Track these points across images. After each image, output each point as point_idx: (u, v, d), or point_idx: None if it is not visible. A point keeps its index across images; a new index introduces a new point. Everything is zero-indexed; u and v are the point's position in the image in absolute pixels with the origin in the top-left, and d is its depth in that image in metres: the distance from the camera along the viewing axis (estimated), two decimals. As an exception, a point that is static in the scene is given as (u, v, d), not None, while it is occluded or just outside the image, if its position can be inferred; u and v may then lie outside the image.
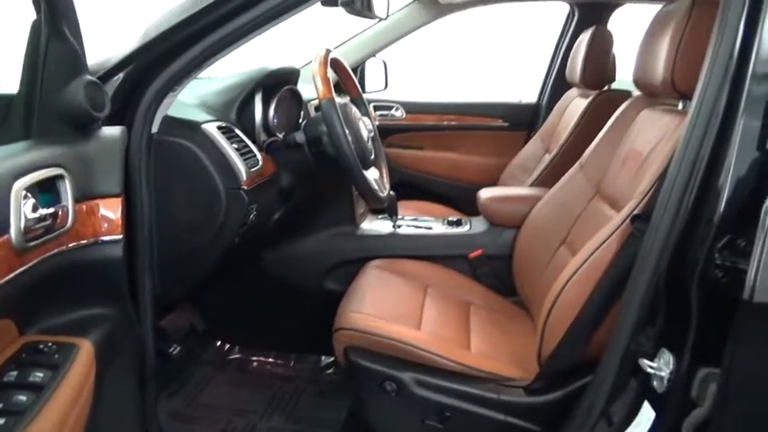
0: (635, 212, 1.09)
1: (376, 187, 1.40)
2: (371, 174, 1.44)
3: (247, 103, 1.30)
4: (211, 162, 1.10)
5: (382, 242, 1.78)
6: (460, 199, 2.48)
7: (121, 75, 0.98)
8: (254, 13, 0.99)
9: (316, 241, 1.77)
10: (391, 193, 1.75)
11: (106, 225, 0.76)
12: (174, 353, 1.43)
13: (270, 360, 1.79)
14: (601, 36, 2.04)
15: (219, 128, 1.15)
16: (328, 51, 1.36)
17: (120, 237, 0.77)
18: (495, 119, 2.68)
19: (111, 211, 0.77)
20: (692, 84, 0.96)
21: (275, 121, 1.54)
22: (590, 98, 2.07)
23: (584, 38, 2.08)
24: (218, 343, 1.81)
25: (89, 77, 0.78)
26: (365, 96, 2.67)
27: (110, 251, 0.77)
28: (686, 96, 1.14)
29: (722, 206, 0.85)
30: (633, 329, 0.99)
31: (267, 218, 1.40)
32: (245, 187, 1.13)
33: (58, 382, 0.65)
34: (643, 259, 0.97)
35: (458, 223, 1.84)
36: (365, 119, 1.53)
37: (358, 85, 1.59)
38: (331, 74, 1.38)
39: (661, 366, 0.92)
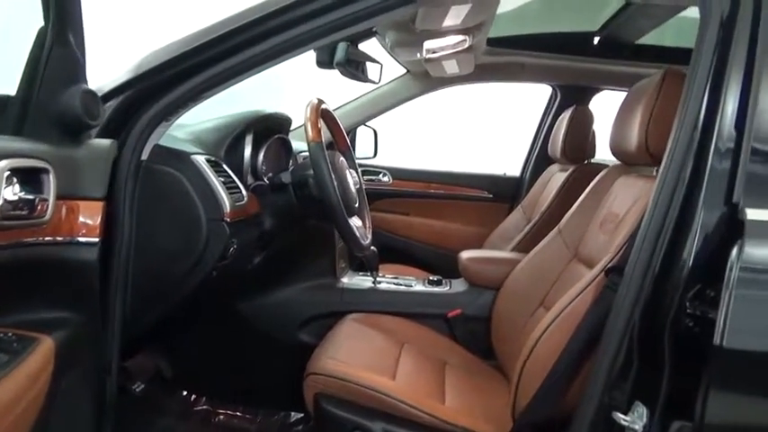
0: (610, 265, 1.11)
1: (359, 234, 1.41)
2: (355, 222, 1.46)
3: (237, 142, 1.34)
4: (196, 191, 1.11)
5: (361, 297, 1.77)
6: (442, 265, 2.47)
7: (119, 99, 1.01)
8: (247, 54, 1.04)
9: (294, 291, 1.75)
10: (373, 248, 1.76)
11: (84, 227, 0.76)
12: (138, 390, 1.37)
13: (237, 414, 1.72)
14: (581, 115, 2.15)
15: (208, 161, 1.17)
16: (320, 101, 1.41)
17: (97, 240, 0.77)
18: (480, 190, 2.76)
19: (91, 213, 0.77)
20: (664, 148, 1.01)
21: (263, 166, 1.57)
22: (570, 170, 2.15)
23: (566, 116, 2.19)
24: (185, 392, 1.74)
25: (86, 87, 0.81)
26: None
27: (85, 253, 0.77)
28: (659, 161, 1.20)
29: (691, 258, 0.88)
30: (607, 382, 0.98)
31: (246, 258, 1.40)
32: (228, 219, 1.14)
33: (15, 366, 0.63)
34: (617, 310, 0.98)
35: (438, 283, 1.85)
36: (352, 170, 1.57)
37: (347, 139, 1.64)
38: (322, 125, 1.44)
39: (635, 420, 0.91)
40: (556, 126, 2.30)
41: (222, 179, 1.18)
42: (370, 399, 1.21)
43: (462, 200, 2.75)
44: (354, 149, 2.75)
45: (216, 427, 1.66)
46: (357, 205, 1.47)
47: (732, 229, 0.86)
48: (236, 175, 1.30)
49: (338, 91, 2.46)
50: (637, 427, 0.90)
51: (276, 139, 1.52)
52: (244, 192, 1.25)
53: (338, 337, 1.48)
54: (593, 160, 2.25)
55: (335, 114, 2.58)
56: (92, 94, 0.81)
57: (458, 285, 1.84)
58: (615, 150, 1.41)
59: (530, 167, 2.72)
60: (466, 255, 1.86)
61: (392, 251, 2.67)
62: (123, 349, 1.43)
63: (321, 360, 1.30)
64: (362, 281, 1.83)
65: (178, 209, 1.11)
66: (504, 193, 2.75)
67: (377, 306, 1.74)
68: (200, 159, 1.15)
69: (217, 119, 1.39)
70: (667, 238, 0.93)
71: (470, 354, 1.68)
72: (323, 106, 1.42)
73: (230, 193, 1.19)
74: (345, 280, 1.83)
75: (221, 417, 1.70)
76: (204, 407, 1.73)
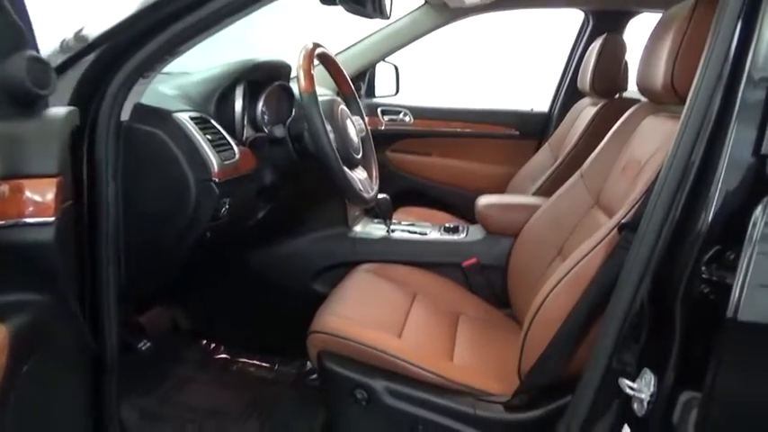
0: (624, 221, 1.02)
1: (360, 187, 1.35)
2: (358, 173, 1.39)
3: (228, 95, 1.27)
4: (182, 152, 1.06)
5: (374, 246, 1.73)
6: (466, 208, 2.41)
7: (91, 57, 0.96)
8: None
9: (306, 242, 1.73)
10: (385, 196, 1.70)
11: (33, 206, 0.73)
12: (144, 348, 1.39)
13: (254, 362, 1.75)
14: (612, 43, 1.97)
15: (193, 118, 1.11)
16: (316, 45, 1.32)
17: (52, 219, 0.74)
18: (506, 127, 2.61)
19: (40, 191, 0.73)
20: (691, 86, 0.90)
21: (265, 116, 1.51)
22: (599, 106, 1.99)
23: (596, 45, 2.01)
24: (204, 342, 1.78)
25: (32, 53, 0.75)
26: (374, 101, 2.69)
27: (37, 234, 0.74)
28: (686, 101, 1.08)
29: (710, 216, 0.78)
30: (615, 346, 0.92)
31: (248, 214, 1.36)
32: (217, 179, 1.09)
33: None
34: (628, 271, 0.91)
35: (454, 230, 1.78)
36: (356, 118, 1.49)
37: (350, 83, 1.54)
38: (321, 70, 1.35)
39: (642, 388, 0.85)
40: (586, 57, 2.12)
41: (210, 137, 1.12)
42: (372, 357, 1.18)
43: (487, 138, 2.62)
44: (374, 88, 2.66)
45: (234, 375, 1.69)
46: (360, 156, 1.40)
47: (759, 184, 0.75)
48: (228, 129, 1.24)
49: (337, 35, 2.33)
50: (643, 395, 0.84)
51: (276, 87, 1.44)
52: (236, 148, 1.19)
53: (346, 291, 1.45)
54: (625, 94, 2.08)
55: (351, 51, 2.52)
56: (40, 61, 0.75)
57: (474, 233, 1.77)
58: (642, 86, 1.27)
59: (559, 102, 2.55)
60: (483, 201, 1.78)
61: (414, 194, 2.62)
62: (136, 305, 1.46)
63: (324, 317, 1.28)
64: (375, 229, 1.78)
65: (164, 172, 1.07)
66: (532, 129, 2.60)
67: (390, 256, 1.70)
68: (184, 117, 1.09)
69: (207, 70, 1.32)
70: (686, 191, 0.83)
71: (486, 303, 1.63)
72: (319, 50, 1.32)
73: (220, 151, 1.14)
74: (358, 229, 1.78)
75: (239, 365, 1.73)
76: (224, 356, 1.77)
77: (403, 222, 1.87)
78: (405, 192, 2.65)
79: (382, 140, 2.61)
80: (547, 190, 1.92)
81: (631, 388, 0.86)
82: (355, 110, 1.54)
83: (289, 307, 1.73)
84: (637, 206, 1.03)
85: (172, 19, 0.96)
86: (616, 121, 1.52)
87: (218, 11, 0.96)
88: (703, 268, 0.79)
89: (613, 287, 0.95)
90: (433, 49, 2.67)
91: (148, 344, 1.40)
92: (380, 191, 2.66)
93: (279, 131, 1.28)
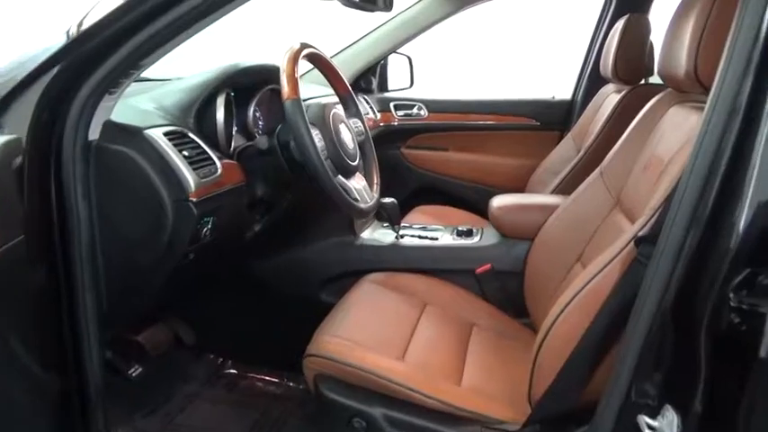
0: (641, 233, 0.90)
1: (357, 196, 1.26)
2: (355, 182, 1.30)
3: (209, 105, 1.19)
4: (154, 171, 0.99)
5: (382, 254, 1.64)
6: (485, 204, 2.29)
7: (46, 78, 0.89)
8: (192, 3, 0.87)
9: (311, 251, 1.65)
10: (392, 200, 1.61)
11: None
12: (134, 374, 1.34)
13: (262, 377, 1.69)
14: (635, 24, 1.82)
15: (168, 133, 1.04)
16: (304, 46, 1.23)
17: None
18: (526, 118, 2.47)
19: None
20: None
21: (260, 123, 1.43)
22: (622, 93, 1.85)
23: (618, 26, 1.86)
24: (211, 356, 1.72)
25: None
26: (387, 95, 2.59)
27: None
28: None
29: (740, 230, 0.67)
30: (633, 376, 0.81)
31: (237, 230, 1.29)
32: (194, 199, 1.02)
33: None
34: (646, 292, 0.79)
35: (467, 234, 1.67)
36: (353, 120, 1.39)
37: (346, 83, 1.44)
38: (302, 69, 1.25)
39: (663, 428, 0.74)
40: (608, 39, 1.96)
41: (186, 153, 1.04)
42: (372, 383, 1.10)
43: (506, 130, 2.48)
44: (387, 81, 2.56)
45: (240, 392, 1.64)
46: (357, 162, 1.30)
47: None
48: (211, 142, 1.16)
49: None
50: (665, 437, 0.73)
51: (267, 92, 1.36)
52: (218, 163, 1.11)
53: (348, 306, 1.37)
54: (652, 80, 1.92)
55: (359, 45, 2.41)
56: None
57: (489, 236, 1.66)
58: (663, 74, 1.14)
59: (581, 89, 2.39)
60: (496, 202, 1.67)
61: (431, 190, 2.52)
62: (132, 324, 1.40)
63: (322, 339, 1.20)
64: (384, 236, 1.69)
65: (136, 192, 1.00)
66: (554, 119, 2.45)
67: (399, 263, 1.61)
68: (156, 133, 1.02)
69: (186, 78, 1.24)
70: (710, 201, 0.70)
71: (501, 313, 1.53)
72: (307, 51, 1.23)
73: (199, 167, 1.06)
74: (365, 236, 1.69)
75: (246, 381, 1.67)
76: (231, 371, 1.71)
77: (414, 225, 1.77)
78: (421, 189, 2.55)
79: (396, 136, 2.52)
80: (568, 186, 1.79)
81: (651, 428, 0.75)
82: (353, 111, 1.44)
83: (296, 318, 1.65)
84: (657, 215, 0.91)
85: (131, 31, 0.89)
86: (640, 111, 1.39)
87: (179, 19, 0.88)
88: (732, 294, 0.67)
89: (631, 307, 0.84)
90: (446, 38, 2.54)
91: (139, 369, 1.35)
92: (396, 188, 2.59)
93: (263, 143, 1.19)
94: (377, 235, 1.70)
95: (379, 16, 2.28)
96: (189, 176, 1.02)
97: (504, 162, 2.46)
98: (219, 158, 1.14)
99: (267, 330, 1.71)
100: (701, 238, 0.72)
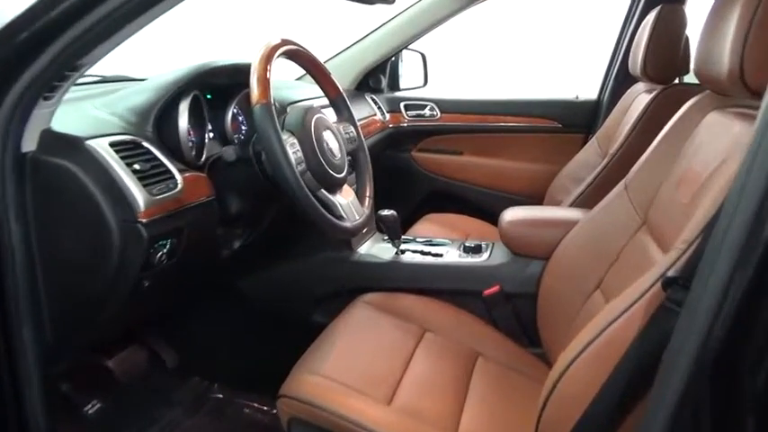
0: (670, 272, 0.73)
1: (342, 213, 1.11)
2: (341, 197, 1.15)
3: (171, 110, 1.05)
4: (99, 188, 0.86)
5: (380, 271, 1.48)
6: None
7: None
8: None
9: (303, 267, 1.51)
10: (391, 212, 1.45)
11: None
12: (91, 411, 1.21)
13: (251, 403, 1.55)
14: (669, 15, 1.62)
15: (116, 144, 0.90)
16: (284, 42, 1.08)
17: None
18: (547, 119, 2.28)
19: None
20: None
21: (243, 128, 1.29)
22: (653, 94, 1.65)
23: (649, 19, 1.66)
24: (197, 379, 1.60)
25: None
26: (398, 94, 2.43)
27: None
28: (761, 96, 0.77)
29: None
30: None
31: (208, 250, 1.15)
32: (144, 220, 0.88)
33: None
34: (677, 349, 0.62)
35: (475, 250, 1.51)
36: (344, 126, 1.24)
37: (335, 83, 1.29)
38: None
39: None
40: (638, 33, 1.77)
41: (139, 166, 0.91)
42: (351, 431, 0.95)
43: (525, 132, 2.29)
44: (398, 79, 2.41)
45: (226, 419, 1.50)
46: (344, 174, 1.15)
47: None
48: (175, 152, 1.02)
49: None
50: None
51: (247, 94, 1.22)
52: (178, 177, 0.97)
53: (336, 333, 1.22)
54: (686, 79, 1.72)
55: (368, 41, 2.25)
56: None
57: (500, 254, 1.49)
58: (700, 73, 0.97)
59: (608, 88, 2.20)
60: (508, 216, 1.49)
61: (443, 197, 2.37)
62: (103, 347, 1.28)
63: (299, 378, 1.05)
64: (383, 250, 1.53)
65: (78, 212, 0.87)
66: (578, 121, 2.26)
67: (398, 282, 1.45)
68: (100, 144, 0.88)
69: (149, 79, 1.10)
70: (765, 234, 0.54)
71: (511, 342, 1.36)
72: (286, 48, 1.08)
73: (155, 182, 0.92)
74: (363, 250, 1.54)
75: (233, 407, 1.54)
76: (218, 395, 1.58)
77: (418, 239, 1.62)
78: (433, 195, 2.40)
79: (406, 139, 2.38)
80: (590, 199, 1.61)
81: None
82: (346, 116, 1.29)
83: (287, 339, 1.53)
84: (692, 249, 0.73)
85: (61, 25, 0.75)
86: (673, 114, 1.21)
87: (116, 11, 0.74)
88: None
89: (657, 363, 0.67)
90: (461, 33, 2.37)
91: (98, 405, 1.23)
92: (405, 194, 2.44)
93: (229, 154, 1.05)
94: (375, 250, 1.55)
95: (386, 11, 2.13)
96: (138, 194, 0.88)
97: (523, 167, 2.29)
98: (182, 171, 1.00)
99: (256, 352, 1.59)
100: (752, 281, 0.55)
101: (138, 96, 1.03)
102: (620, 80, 2.14)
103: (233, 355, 1.59)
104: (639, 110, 1.68)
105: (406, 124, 2.35)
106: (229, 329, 1.57)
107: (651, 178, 1.12)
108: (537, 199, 2.14)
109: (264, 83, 0.97)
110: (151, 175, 0.92)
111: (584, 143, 2.17)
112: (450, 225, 1.96)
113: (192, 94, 1.06)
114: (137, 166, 0.90)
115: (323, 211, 1.04)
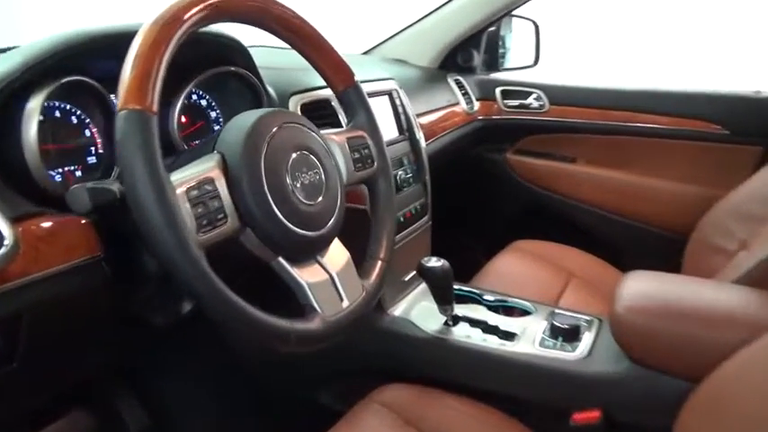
0: None
1: (311, 299, 0.63)
2: (314, 270, 0.65)
3: (12, 111, 0.61)
4: None
5: (416, 350, 1.00)
6: (627, 247, 1.65)
7: None
8: None
9: None
10: (442, 263, 0.95)
11: None
12: None
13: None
14: None
15: None
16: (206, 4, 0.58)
17: None
18: (707, 122, 1.60)
19: None
20: None
21: (215, 127, 0.85)
22: None
23: None
24: None
25: None
26: (496, 76, 1.88)
27: None
28: None
29: None
30: None
31: (112, 339, 0.73)
32: None
33: None
34: None
35: (569, 335, 0.95)
36: (351, 134, 0.75)
37: (343, 61, 0.78)
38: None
39: None
40: None
41: None
42: None
43: (673, 139, 1.64)
44: (497, 56, 1.92)
45: None
46: (328, 229, 0.66)
47: None
48: (21, 179, 0.60)
49: None
50: None
51: (222, 76, 0.77)
52: (8, 231, 0.53)
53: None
54: None
55: (451, 7, 1.71)
56: None
57: (608, 348, 0.92)
58: None
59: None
60: (629, 292, 0.90)
61: (544, 216, 1.87)
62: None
63: None
64: (428, 315, 1.04)
65: None
66: (753, 128, 1.56)
67: (440, 372, 0.97)
68: None
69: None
70: None
71: None
72: (204, 14, 0.59)
73: None
74: (398, 312, 1.06)
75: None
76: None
77: (485, 296, 1.10)
78: (531, 211, 1.88)
79: (501, 135, 1.86)
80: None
81: None
82: (362, 121, 0.79)
83: (286, 420, 1.13)
84: None
85: None
86: None
87: None
88: None
89: None
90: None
91: None
92: (493, 210, 1.91)
93: (116, 186, 0.58)
94: (418, 312, 1.06)
95: None
96: None
97: (662, 187, 1.65)
98: (22, 218, 0.56)
99: (244, 428, 1.19)
100: None
101: None
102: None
103: (214, 425, 1.20)
104: None
105: (501, 116, 1.82)
106: (210, 392, 1.19)
107: None
108: (679, 235, 1.52)
109: (142, 80, 0.49)
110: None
111: (763, 161, 1.48)
112: (546, 261, 1.45)
113: (53, 86, 0.61)
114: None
115: (243, 307, 0.55)
